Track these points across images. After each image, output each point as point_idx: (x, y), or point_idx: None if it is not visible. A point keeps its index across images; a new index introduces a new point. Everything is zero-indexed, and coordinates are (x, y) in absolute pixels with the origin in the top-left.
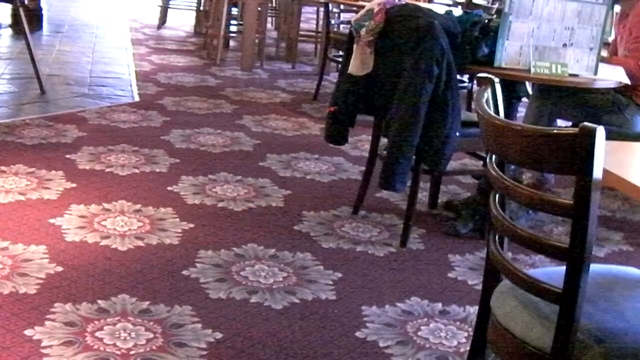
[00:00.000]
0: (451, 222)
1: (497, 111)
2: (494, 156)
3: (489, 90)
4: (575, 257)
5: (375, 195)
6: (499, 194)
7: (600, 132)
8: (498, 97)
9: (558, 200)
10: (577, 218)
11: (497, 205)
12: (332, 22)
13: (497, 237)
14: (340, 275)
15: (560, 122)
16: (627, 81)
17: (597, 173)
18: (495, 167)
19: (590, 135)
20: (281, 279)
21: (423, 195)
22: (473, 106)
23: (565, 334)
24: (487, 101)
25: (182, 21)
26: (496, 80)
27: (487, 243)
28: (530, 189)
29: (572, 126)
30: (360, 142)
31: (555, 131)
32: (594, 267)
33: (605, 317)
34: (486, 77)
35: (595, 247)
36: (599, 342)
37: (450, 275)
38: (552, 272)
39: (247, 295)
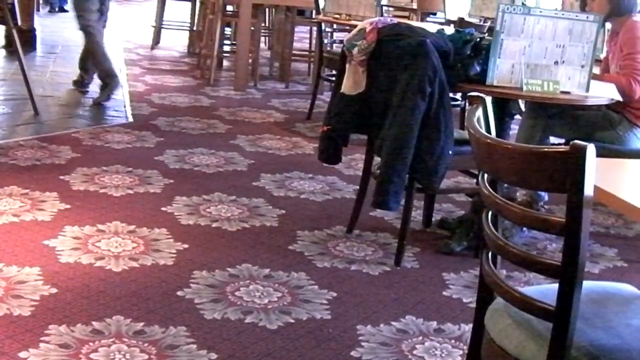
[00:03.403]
0: (445, 241)
1: (488, 130)
2: (486, 175)
3: (480, 109)
4: (568, 275)
5: (370, 214)
6: (492, 212)
7: (591, 149)
8: (489, 116)
9: (550, 218)
10: (569, 235)
11: (490, 224)
12: (325, 41)
13: (490, 255)
14: (335, 294)
15: (553, 139)
16: (619, 98)
17: (589, 190)
18: (487, 186)
19: (581, 152)
20: (276, 299)
21: (417, 214)
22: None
23: (558, 351)
24: (478, 120)
25: (176, 41)
26: (487, 98)
27: (481, 261)
28: (523, 208)
29: (564, 143)
30: (354, 161)
31: (545, 149)
32: (587, 284)
33: (599, 335)
34: (477, 96)
35: (590, 263)
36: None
37: (445, 293)
38: (545, 290)
39: (241, 315)
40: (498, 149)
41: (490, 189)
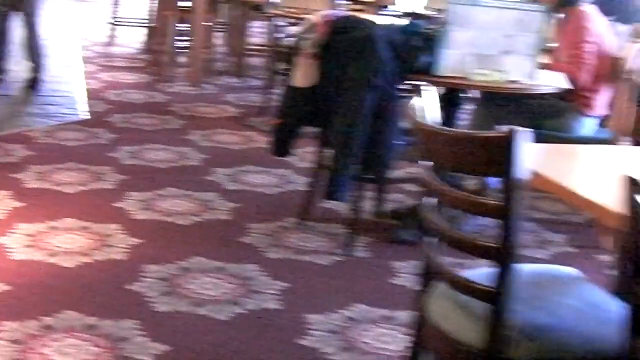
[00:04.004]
0: (396, 230)
1: (432, 119)
2: (428, 162)
3: (423, 98)
4: (504, 256)
5: (322, 206)
6: (432, 199)
7: (524, 134)
8: (433, 105)
9: (486, 202)
10: (505, 218)
11: (432, 210)
12: (280, 36)
13: (432, 240)
14: (286, 285)
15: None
16: (567, 87)
17: (523, 174)
18: (430, 173)
19: (514, 138)
20: (227, 291)
21: (369, 205)
22: None
23: (497, 331)
24: (420, 109)
25: (133, 38)
26: (431, 88)
27: (423, 247)
28: (462, 193)
29: None
30: (307, 154)
31: (481, 135)
32: (529, 267)
33: (539, 315)
34: (419, 86)
35: (540, 249)
36: (531, 339)
37: (394, 282)
38: (486, 273)
39: (193, 307)
40: (438, 136)
41: (432, 176)
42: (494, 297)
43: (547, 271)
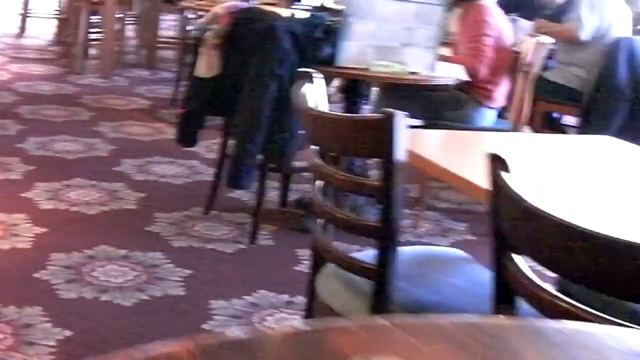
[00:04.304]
0: (300, 219)
1: (317, 104)
2: (315, 146)
3: (309, 84)
4: (384, 234)
5: (228, 195)
6: (321, 182)
7: (400, 117)
8: (318, 91)
9: (366, 181)
10: (384, 197)
11: (319, 192)
12: (190, 28)
13: (320, 222)
14: (190, 272)
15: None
16: (467, 79)
17: (400, 156)
18: (316, 157)
19: (392, 120)
20: (132, 278)
21: (275, 195)
22: None
23: (379, 307)
24: (306, 95)
25: (43, 29)
26: (316, 74)
27: (312, 229)
28: (344, 174)
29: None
30: (215, 145)
31: (361, 118)
32: (416, 248)
33: (421, 292)
34: (305, 72)
35: (440, 237)
36: (412, 314)
37: (297, 268)
38: (372, 253)
39: (97, 294)
40: (323, 120)
41: (319, 160)
42: (376, 274)
43: (434, 252)
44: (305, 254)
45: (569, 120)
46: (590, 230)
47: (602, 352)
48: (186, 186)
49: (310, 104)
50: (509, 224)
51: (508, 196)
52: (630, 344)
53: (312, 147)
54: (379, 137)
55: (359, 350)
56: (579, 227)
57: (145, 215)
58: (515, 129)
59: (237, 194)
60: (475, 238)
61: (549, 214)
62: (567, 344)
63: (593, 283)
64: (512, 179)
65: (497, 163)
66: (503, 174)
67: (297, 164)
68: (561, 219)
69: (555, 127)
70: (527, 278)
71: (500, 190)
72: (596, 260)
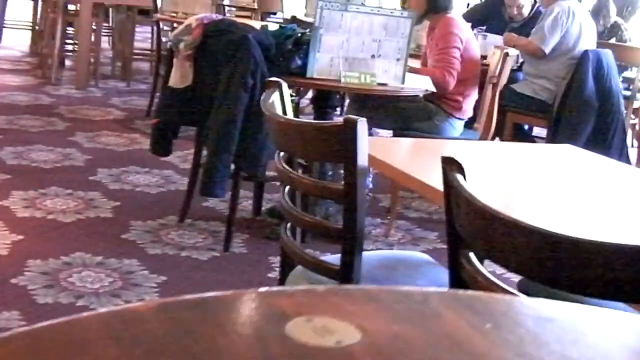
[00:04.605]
0: (273, 227)
1: (284, 111)
2: (282, 153)
3: (277, 92)
4: (347, 236)
5: (202, 205)
6: (288, 187)
7: (362, 123)
8: (285, 98)
9: (330, 185)
10: (347, 201)
11: (286, 197)
12: (164, 40)
13: (287, 226)
14: (164, 278)
15: (380, 132)
16: (434, 89)
17: (362, 160)
18: (282, 163)
19: (353, 126)
20: (107, 284)
21: (248, 204)
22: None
23: None
24: (273, 102)
25: (18, 40)
26: (283, 83)
27: (280, 234)
28: (308, 178)
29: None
30: (190, 155)
31: (323, 124)
32: (383, 252)
33: None
34: (274, 81)
35: (411, 245)
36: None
37: (270, 275)
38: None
39: (73, 299)
40: (289, 126)
41: (284, 166)
42: (341, 274)
43: (399, 256)
44: (277, 260)
45: (538, 131)
46: (535, 227)
47: (517, 319)
48: (161, 195)
49: (278, 111)
50: (462, 223)
51: (461, 196)
52: (542, 311)
53: (279, 153)
54: (341, 142)
55: (298, 310)
56: (524, 223)
57: (120, 223)
58: (484, 139)
59: (211, 202)
60: (445, 247)
61: (498, 212)
62: (485, 310)
63: (539, 277)
64: (464, 181)
65: (451, 165)
66: (456, 175)
67: (270, 173)
68: (509, 217)
69: (525, 138)
70: (482, 275)
71: (453, 190)
72: (540, 254)
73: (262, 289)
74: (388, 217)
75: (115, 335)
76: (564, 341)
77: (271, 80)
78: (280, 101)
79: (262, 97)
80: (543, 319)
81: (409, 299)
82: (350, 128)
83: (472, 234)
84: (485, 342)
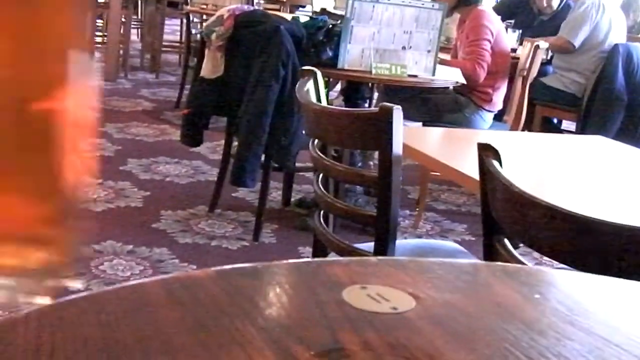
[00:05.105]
0: (303, 218)
1: (318, 99)
2: (316, 140)
3: (311, 81)
4: (382, 223)
5: (232, 195)
6: (321, 174)
7: (397, 111)
8: (320, 87)
9: (364, 173)
10: (382, 188)
11: (320, 184)
12: (194, 32)
13: (321, 213)
14: (194, 267)
15: (408, 123)
16: (464, 82)
17: (397, 148)
18: (317, 150)
19: (389, 113)
20: (138, 272)
21: (278, 194)
22: None
23: None
24: (308, 91)
25: None
26: (317, 72)
27: (311, 223)
28: (343, 166)
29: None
30: (219, 146)
31: (359, 112)
32: (414, 241)
33: None
34: (308, 69)
35: (439, 237)
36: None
37: None
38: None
39: (104, 287)
40: (324, 114)
41: (319, 153)
42: None
43: (430, 244)
44: (306, 251)
45: (567, 125)
46: (572, 212)
47: (564, 290)
48: (191, 185)
49: (312, 99)
50: (497, 209)
51: (497, 181)
52: (587, 283)
53: (314, 141)
54: (377, 130)
55: (353, 279)
56: (562, 208)
57: (150, 212)
58: (512, 131)
59: (240, 193)
60: (474, 239)
61: (533, 196)
62: (534, 281)
63: (575, 262)
64: (499, 167)
65: (488, 152)
66: (492, 162)
67: (300, 164)
68: (546, 202)
69: (554, 131)
70: (516, 260)
71: (489, 176)
72: (577, 239)
73: (316, 259)
74: (417, 209)
75: (178, 299)
76: (610, 312)
77: (306, 69)
78: (314, 89)
79: (296, 86)
80: (589, 290)
81: (460, 270)
82: (385, 115)
83: (508, 220)
84: (536, 311)
